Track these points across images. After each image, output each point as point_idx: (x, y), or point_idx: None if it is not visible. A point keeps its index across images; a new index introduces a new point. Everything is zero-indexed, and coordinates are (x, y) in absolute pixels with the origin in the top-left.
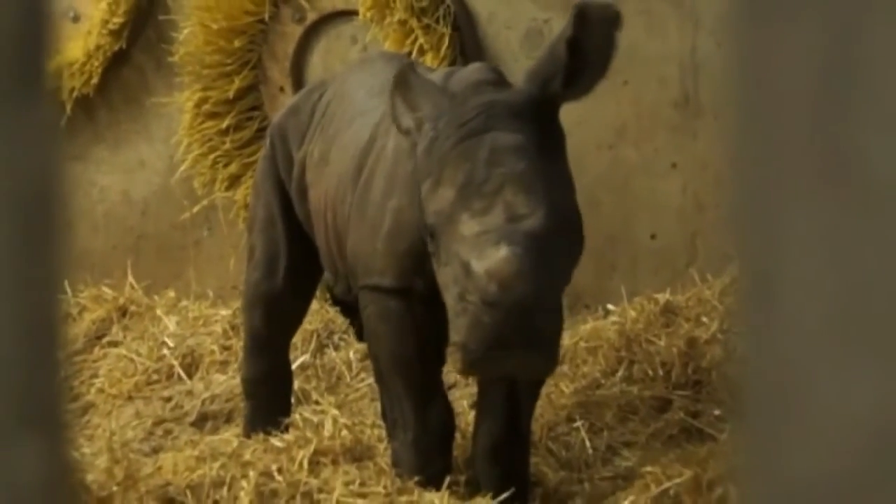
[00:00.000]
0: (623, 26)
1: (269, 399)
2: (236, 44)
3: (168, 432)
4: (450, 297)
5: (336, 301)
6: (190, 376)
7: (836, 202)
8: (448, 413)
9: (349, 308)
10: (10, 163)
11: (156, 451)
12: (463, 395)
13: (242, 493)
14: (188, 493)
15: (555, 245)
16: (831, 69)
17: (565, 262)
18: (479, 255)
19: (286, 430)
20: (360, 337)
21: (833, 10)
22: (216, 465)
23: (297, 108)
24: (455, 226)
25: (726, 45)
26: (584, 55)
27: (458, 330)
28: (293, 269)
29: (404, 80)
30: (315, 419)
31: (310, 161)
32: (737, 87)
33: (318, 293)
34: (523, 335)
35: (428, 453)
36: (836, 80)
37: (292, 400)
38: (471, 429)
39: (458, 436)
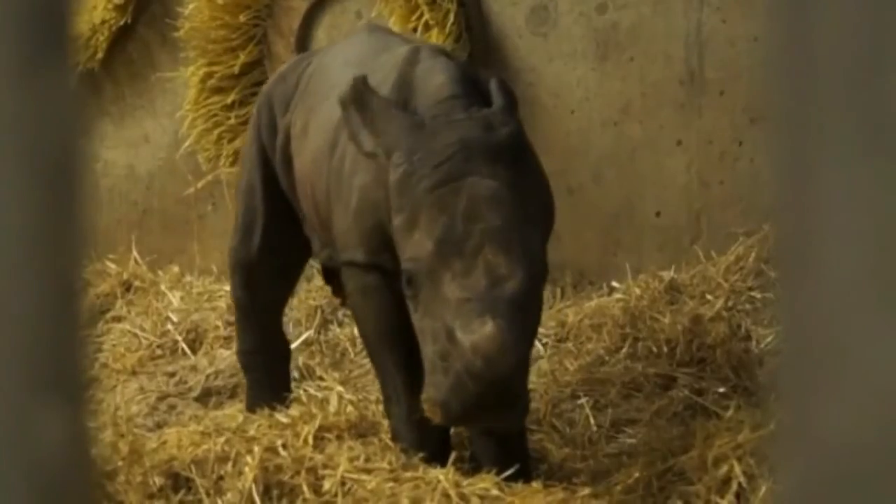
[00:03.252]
0: None
1: (265, 371)
2: (241, 19)
3: (172, 407)
4: (427, 349)
5: (326, 274)
6: (194, 352)
7: (873, 163)
8: None
9: (330, 274)
10: (35, 128)
11: (160, 426)
12: None
13: (247, 469)
14: (193, 468)
15: (532, 301)
16: (868, 34)
17: (539, 308)
18: (463, 326)
19: (291, 405)
20: (343, 300)
21: None
22: (221, 440)
23: (284, 76)
24: (436, 285)
25: (766, 14)
26: None
27: (437, 387)
28: (270, 238)
29: (360, 98)
30: (320, 395)
31: (293, 131)
32: (776, 55)
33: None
34: (502, 400)
35: (424, 425)
36: (872, 44)
37: (297, 375)
38: None
39: None
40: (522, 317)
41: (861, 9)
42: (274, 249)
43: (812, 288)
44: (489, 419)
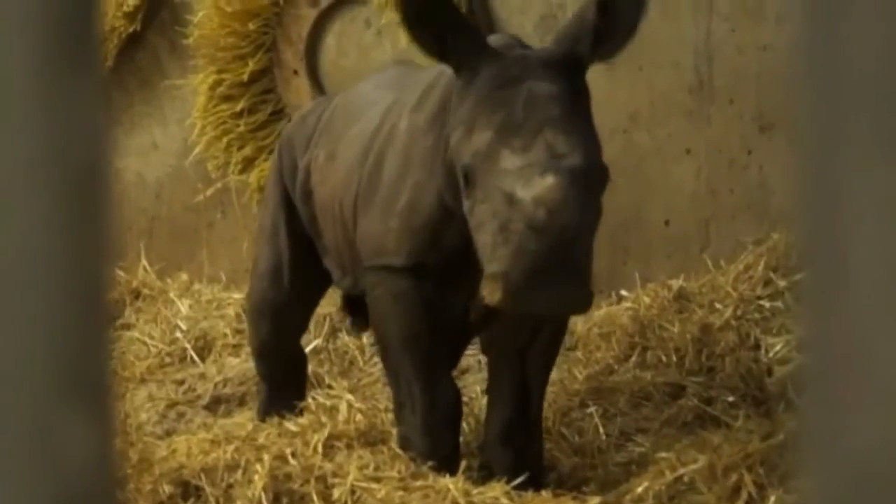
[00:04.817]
0: None
1: (282, 386)
2: (251, 26)
3: (181, 415)
4: (486, 234)
5: (350, 305)
6: (203, 359)
7: None
8: (455, 392)
9: (354, 304)
10: (62, 131)
11: (169, 434)
12: (476, 381)
13: (257, 477)
14: (202, 475)
15: (591, 185)
16: (891, 45)
17: (597, 207)
18: (524, 184)
19: (300, 414)
20: (358, 330)
21: None
22: (230, 448)
23: (304, 118)
24: (495, 162)
25: (792, 24)
26: (614, 17)
27: (498, 260)
28: (297, 276)
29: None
30: (329, 403)
31: (315, 165)
32: (801, 62)
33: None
34: (565, 265)
35: (437, 433)
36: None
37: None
38: (484, 415)
39: (471, 421)
40: (584, 191)
41: (886, 15)
42: (302, 288)
43: (837, 296)
44: (551, 294)
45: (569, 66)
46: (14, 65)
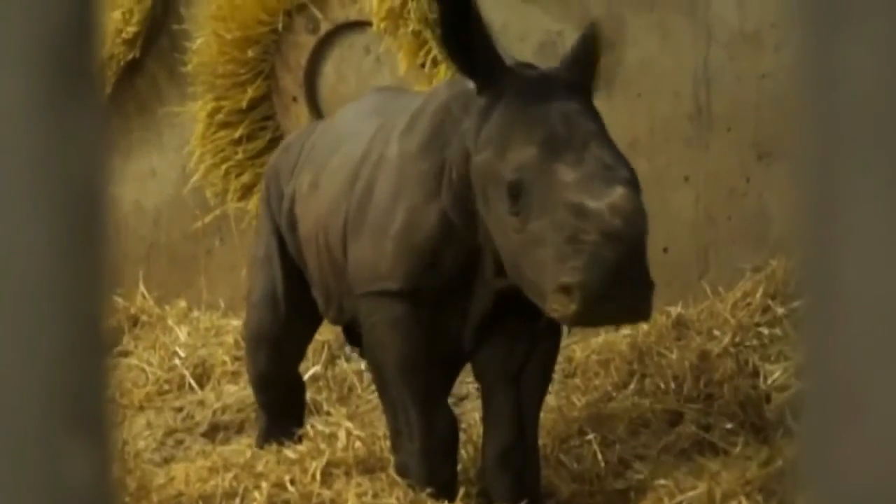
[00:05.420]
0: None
1: (281, 413)
2: (250, 54)
3: (179, 443)
4: (547, 248)
5: (350, 336)
6: (201, 387)
7: None
8: (452, 418)
9: (354, 334)
10: (60, 161)
11: (167, 461)
12: (474, 408)
13: None
14: (201, 503)
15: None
16: (891, 71)
17: None
18: (593, 195)
19: (299, 441)
20: (362, 358)
21: None
22: (229, 475)
23: (288, 146)
24: (552, 175)
25: (793, 51)
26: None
27: (571, 272)
28: (293, 305)
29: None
30: (327, 430)
31: (298, 194)
32: (803, 92)
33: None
34: (639, 272)
35: (435, 460)
36: None
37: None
38: (481, 441)
39: (470, 448)
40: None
41: (889, 40)
42: (298, 315)
43: (836, 323)
44: (624, 302)
45: (584, 88)
46: (14, 92)
